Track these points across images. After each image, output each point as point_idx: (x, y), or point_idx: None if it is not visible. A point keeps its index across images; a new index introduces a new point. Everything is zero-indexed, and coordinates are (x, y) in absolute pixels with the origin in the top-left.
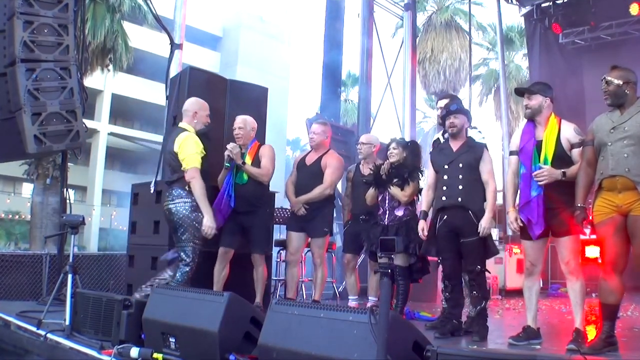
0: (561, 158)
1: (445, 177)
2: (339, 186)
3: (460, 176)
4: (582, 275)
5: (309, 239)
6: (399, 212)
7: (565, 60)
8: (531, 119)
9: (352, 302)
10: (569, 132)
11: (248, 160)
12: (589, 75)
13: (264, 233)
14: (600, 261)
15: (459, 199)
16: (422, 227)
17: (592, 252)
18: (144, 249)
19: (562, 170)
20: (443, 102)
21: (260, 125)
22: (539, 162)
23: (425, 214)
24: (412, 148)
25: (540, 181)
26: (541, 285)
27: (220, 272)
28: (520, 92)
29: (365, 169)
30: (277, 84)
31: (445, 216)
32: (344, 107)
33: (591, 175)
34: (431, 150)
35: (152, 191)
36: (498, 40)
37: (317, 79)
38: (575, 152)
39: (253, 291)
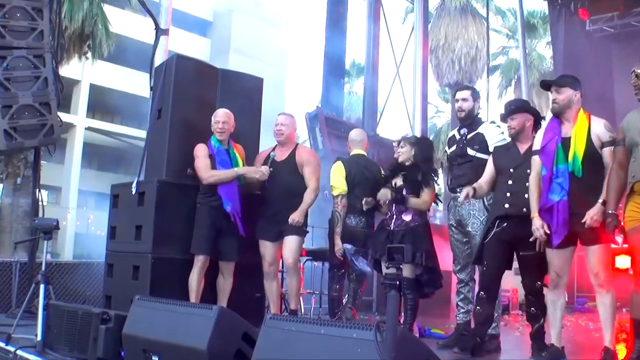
0: (592, 157)
1: (510, 182)
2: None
3: (527, 183)
4: (612, 287)
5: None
6: (407, 217)
7: (593, 49)
8: (557, 115)
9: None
10: (599, 128)
11: (240, 162)
12: (618, 66)
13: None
14: (631, 272)
15: (524, 210)
16: (467, 191)
17: (623, 262)
18: (124, 257)
19: (601, 200)
20: (462, 94)
21: (255, 120)
22: (565, 161)
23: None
24: (421, 145)
25: (594, 225)
26: (566, 299)
27: (199, 283)
28: (546, 85)
29: None
30: (273, 74)
31: (505, 224)
32: (347, 100)
33: (623, 179)
34: (447, 148)
35: (134, 192)
36: (519, 27)
37: (317, 69)
38: (606, 152)
39: (253, 304)
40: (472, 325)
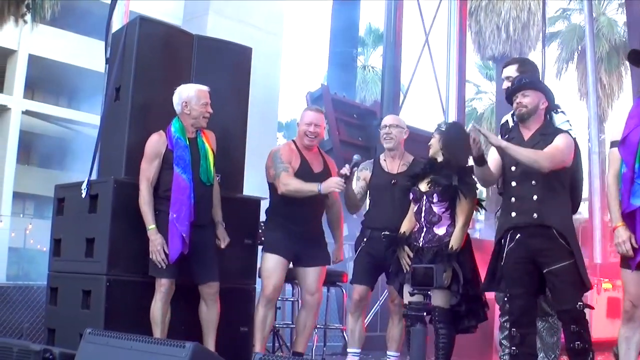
0: None
1: (514, 183)
2: None
3: (534, 181)
4: None
5: (299, 268)
6: (440, 231)
7: None
8: None
9: (353, 358)
10: None
11: (210, 154)
12: None
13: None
14: None
15: (534, 215)
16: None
17: None
18: (71, 279)
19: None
20: (511, 69)
21: (241, 101)
22: None
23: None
24: (450, 135)
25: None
26: None
27: (165, 313)
28: (636, 57)
29: (392, 164)
30: (266, 43)
31: (519, 235)
32: (361, 76)
33: None
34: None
35: (84, 195)
36: None
37: (323, 37)
38: None
39: (238, 340)
40: None
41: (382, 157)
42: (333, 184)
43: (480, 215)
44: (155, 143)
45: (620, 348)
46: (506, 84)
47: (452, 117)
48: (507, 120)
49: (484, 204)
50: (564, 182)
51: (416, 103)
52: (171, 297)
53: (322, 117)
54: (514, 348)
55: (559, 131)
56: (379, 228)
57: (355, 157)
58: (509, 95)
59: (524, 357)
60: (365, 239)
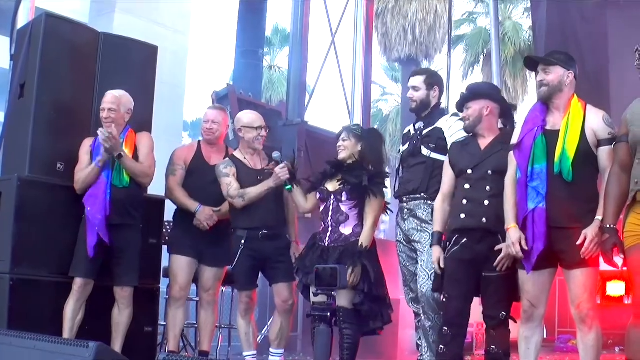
0: (585, 157)
1: (467, 186)
2: None
3: (488, 187)
4: (597, 322)
5: (200, 266)
6: (346, 230)
7: (584, 18)
8: (544, 101)
9: None
10: (596, 121)
11: (128, 153)
12: (616, 39)
13: (138, 257)
14: (628, 301)
15: (483, 220)
16: (438, 256)
17: (616, 289)
18: None
19: (600, 216)
20: (413, 81)
21: (147, 101)
22: (543, 160)
23: (439, 237)
24: (370, 140)
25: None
26: (544, 336)
27: (76, 312)
28: (532, 63)
29: (254, 161)
30: (172, 41)
31: (465, 239)
32: (267, 76)
33: (624, 184)
34: (401, 145)
35: None
36: None
37: (229, 36)
38: (604, 153)
39: (142, 340)
40: None
41: (239, 155)
42: (205, 216)
43: (385, 217)
44: (85, 146)
45: (520, 348)
46: (411, 93)
47: (358, 118)
48: (409, 130)
49: (389, 206)
50: None
51: (322, 104)
52: (86, 297)
53: (221, 115)
54: (443, 347)
55: None
56: (254, 228)
57: (275, 154)
58: (459, 110)
59: (452, 357)
60: (243, 242)
